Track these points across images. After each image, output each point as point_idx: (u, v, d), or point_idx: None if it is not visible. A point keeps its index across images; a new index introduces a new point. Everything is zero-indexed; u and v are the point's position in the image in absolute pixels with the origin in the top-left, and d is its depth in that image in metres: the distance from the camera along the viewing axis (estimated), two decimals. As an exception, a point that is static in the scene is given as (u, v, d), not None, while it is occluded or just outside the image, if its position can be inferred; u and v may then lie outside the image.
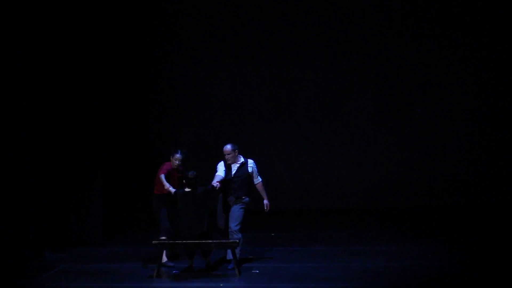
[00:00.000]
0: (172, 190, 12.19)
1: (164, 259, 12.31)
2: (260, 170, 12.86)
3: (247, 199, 12.58)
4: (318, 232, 15.80)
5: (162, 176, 12.33)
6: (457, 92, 19.38)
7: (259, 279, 11.66)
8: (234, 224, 12.41)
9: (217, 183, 12.28)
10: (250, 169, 12.64)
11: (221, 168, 12.60)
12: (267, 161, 19.04)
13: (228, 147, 12.65)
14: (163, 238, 12.25)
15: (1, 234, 11.85)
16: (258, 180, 12.74)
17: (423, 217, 17.60)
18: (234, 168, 12.62)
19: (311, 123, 19.57)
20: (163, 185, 12.29)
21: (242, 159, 12.67)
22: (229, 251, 12.35)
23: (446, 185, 19.25)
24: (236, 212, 12.46)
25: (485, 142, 19.28)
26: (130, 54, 17.28)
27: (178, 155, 12.62)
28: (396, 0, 19.45)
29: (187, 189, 12.12)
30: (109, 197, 15.35)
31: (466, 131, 19.35)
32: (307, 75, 19.56)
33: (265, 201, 12.72)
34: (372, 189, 19.35)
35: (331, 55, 19.51)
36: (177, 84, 19.63)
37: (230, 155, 12.60)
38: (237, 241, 12.00)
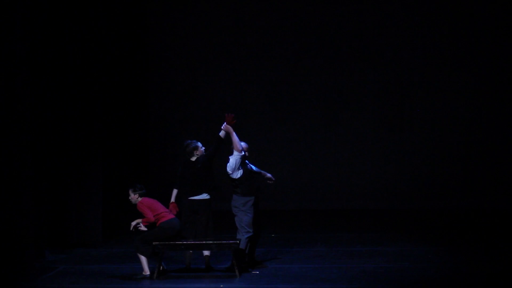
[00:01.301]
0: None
1: (147, 271, 11.92)
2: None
3: None
4: (318, 233, 15.80)
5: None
6: (457, 96, 19.38)
7: (259, 280, 11.64)
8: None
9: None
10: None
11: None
12: (268, 162, 19.04)
13: (245, 144, 12.39)
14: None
15: (1, 235, 11.85)
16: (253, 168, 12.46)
17: (423, 219, 17.61)
18: (250, 166, 12.41)
19: (311, 125, 19.57)
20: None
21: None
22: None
23: (446, 188, 19.26)
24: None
25: (485, 146, 19.29)
26: (130, 55, 17.29)
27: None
28: (397, 6, 19.45)
29: (191, 159, 12.25)
30: (109, 198, 15.33)
31: (465, 134, 19.35)
32: (308, 78, 19.56)
33: (269, 175, 12.58)
34: (372, 191, 19.35)
35: (332, 58, 19.51)
36: (178, 85, 19.63)
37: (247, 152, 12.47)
38: (238, 241, 11.96)
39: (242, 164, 12.09)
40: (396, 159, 19.46)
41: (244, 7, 19.56)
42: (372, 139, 19.52)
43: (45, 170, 13.73)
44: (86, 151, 14.71)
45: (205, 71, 19.62)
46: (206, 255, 12.25)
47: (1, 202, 11.87)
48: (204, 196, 12.12)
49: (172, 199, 12.31)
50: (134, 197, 12.09)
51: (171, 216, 11.99)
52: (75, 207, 14.63)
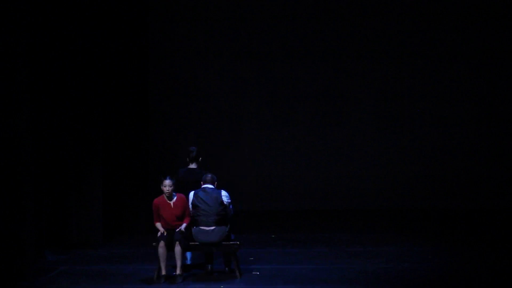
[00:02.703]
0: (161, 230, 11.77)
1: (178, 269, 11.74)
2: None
3: None
4: (319, 233, 15.79)
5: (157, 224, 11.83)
6: (457, 95, 19.38)
7: (259, 281, 11.65)
8: None
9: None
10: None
11: None
12: (268, 162, 19.06)
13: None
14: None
15: (1, 235, 11.85)
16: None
17: (423, 219, 17.60)
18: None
19: (311, 125, 19.54)
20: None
21: None
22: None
23: (446, 188, 19.24)
24: None
25: (485, 145, 19.27)
26: (131, 55, 17.24)
27: (166, 181, 11.75)
28: (397, 6, 19.44)
29: (190, 166, 12.33)
30: (109, 198, 15.33)
31: (466, 134, 19.33)
32: (308, 78, 19.54)
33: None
34: (372, 191, 19.33)
35: (332, 58, 19.49)
36: (178, 84, 19.60)
37: None
38: (238, 242, 11.95)
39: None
40: (396, 159, 19.44)
41: (244, 7, 19.54)
42: (372, 139, 19.49)
43: (45, 170, 13.73)
44: (86, 151, 14.70)
45: (205, 71, 19.60)
46: (207, 256, 12.27)
47: (1, 202, 11.88)
48: None
49: None
50: (172, 187, 11.66)
51: None
52: (75, 207, 14.62)
